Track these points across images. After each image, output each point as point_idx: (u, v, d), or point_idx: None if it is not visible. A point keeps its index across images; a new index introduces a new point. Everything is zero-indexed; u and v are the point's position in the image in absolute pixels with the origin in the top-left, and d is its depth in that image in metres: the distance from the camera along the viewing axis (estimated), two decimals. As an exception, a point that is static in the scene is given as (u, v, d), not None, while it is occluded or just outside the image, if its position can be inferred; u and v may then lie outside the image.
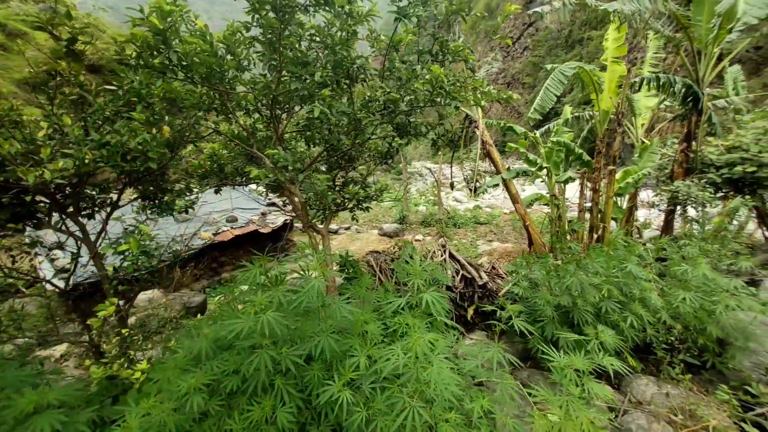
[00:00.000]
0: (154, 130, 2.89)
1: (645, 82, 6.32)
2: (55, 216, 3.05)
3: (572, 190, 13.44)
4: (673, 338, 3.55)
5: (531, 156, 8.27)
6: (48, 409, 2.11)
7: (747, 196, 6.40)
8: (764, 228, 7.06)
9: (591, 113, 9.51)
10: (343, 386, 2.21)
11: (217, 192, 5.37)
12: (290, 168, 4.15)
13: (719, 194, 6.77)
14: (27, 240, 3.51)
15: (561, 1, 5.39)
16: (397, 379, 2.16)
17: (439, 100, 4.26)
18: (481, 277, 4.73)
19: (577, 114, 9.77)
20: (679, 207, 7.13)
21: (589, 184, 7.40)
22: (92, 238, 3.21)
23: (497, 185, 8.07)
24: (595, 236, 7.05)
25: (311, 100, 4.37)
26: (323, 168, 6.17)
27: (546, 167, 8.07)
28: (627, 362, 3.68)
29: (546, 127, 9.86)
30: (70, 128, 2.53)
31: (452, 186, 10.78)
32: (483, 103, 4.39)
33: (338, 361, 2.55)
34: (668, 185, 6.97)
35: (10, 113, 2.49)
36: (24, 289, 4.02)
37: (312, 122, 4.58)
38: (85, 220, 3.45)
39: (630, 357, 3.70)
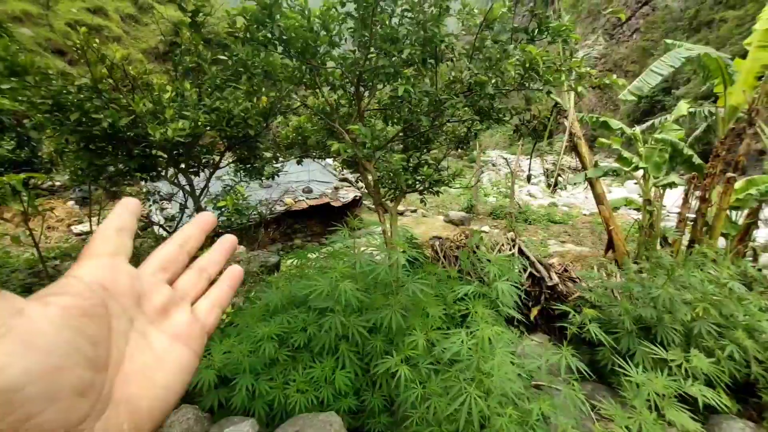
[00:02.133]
0: (255, 100, 3.15)
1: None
2: (170, 171, 3.53)
3: (670, 198, 11.75)
4: (785, 382, 3.00)
5: (626, 154, 7.36)
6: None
7: None
8: None
9: (710, 109, 8.08)
10: (401, 362, 2.28)
11: (299, 163, 5.73)
12: (368, 145, 4.23)
13: None
14: (144, 190, 4.14)
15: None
16: (454, 364, 2.17)
17: (529, 84, 3.98)
18: (551, 277, 4.45)
19: (692, 110, 8.38)
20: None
21: (696, 192, 6.41)
22: (197, 193, 3.67)
23: (581, 183, 7.38)
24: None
25: (395, 78, 4.37)
26: (398, 148, 6.20)
27: (643, 168, 7.13)
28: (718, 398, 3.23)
29: (650, 122, 8.67)
30: (188, 93, 2.88)
31: (529, 179, 10.11)
32: (581, 88, 3.99)
33: (401, 337, 2.63)
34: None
35: (143, 76, 2.91)
36: (139, 231, 4.78)
37: (394, 101, 4.59)
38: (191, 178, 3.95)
39: (724, 393, 3.23)
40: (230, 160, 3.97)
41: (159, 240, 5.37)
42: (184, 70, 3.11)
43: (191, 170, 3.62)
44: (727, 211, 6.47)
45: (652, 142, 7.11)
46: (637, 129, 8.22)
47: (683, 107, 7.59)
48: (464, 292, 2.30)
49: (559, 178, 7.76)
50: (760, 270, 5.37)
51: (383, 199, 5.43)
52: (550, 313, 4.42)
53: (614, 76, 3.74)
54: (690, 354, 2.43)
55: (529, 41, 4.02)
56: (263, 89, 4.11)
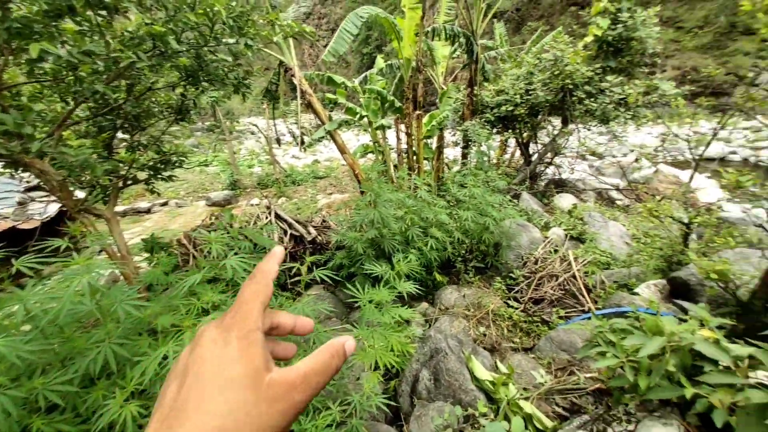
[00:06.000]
0: None
1: (436, 33, 7.00)
2: None
3: (393, 138, 14.70)
4: (464, 251, 4.36)
5: (350, 105, 8.41)
6: None
7: (510, 130, 8.23)
8: (523, 155, 9.35)
9: (399, 61, 10.18)
10: (128, 399, 1.79)
11: None
12: (24, 135, 3.00)
13: (495, 130, 8.48)
14: None
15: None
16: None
17: (225, 39, 3.66)
18: (309, 233, 4.67)
19: (390, 62, 10.30)
20: (471, 143, 8.64)
21: (403, 129, 8.11)
22: None
23: (323, 137, 7.98)
24: (413, 175, 7.92)
25: (35, 36, 3.10)
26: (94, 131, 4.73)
27: (365, 116, 8.38)
28: (435, 279, 4.36)
29: (364, 75, 10.11)
30: None
31: (279, 142, 10.17)
32: (276, 38, 4.00)
33: (129, 369, 2.08)
34: (460, 125, 8.27)
35: None
36: None
37: (33, 66, 3.27)
38: None
39: (438, 274, 4.38)
40: None
41: None
42: None
43: None
44: (425, 141, 8.58)
45: (368, 93, 8.36)
46: (356, 82, 9.46)
47: (380, 61, 9.17)
48: (190, 284, 1.97)
49: (304, 137, 8.15)
50: (445, 178, 7.54)
51: (87, 204, 4.09)
52: (318, 265, 4.70)
53: (305, 26, 3.92)
54: (396, 259, 3.01)
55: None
56: None
